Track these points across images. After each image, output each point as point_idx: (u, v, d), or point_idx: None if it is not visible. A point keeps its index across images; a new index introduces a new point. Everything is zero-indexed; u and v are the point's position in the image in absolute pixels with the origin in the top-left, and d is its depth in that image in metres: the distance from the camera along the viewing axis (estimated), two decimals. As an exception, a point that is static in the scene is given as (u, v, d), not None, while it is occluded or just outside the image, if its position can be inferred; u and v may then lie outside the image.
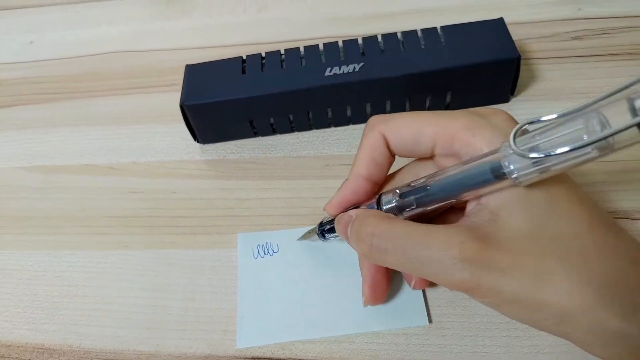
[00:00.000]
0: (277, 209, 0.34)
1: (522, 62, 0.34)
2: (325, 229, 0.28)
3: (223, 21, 0.47)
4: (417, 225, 0.22)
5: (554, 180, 0.20)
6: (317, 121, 0.37)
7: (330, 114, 0.36)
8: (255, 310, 0.29)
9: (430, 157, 0.25)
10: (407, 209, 0.23)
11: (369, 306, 0.28)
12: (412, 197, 0.23)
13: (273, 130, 0.37)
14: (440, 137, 0.23)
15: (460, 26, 0.36)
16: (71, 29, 0.50)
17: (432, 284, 0.29)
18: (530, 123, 0.19)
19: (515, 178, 0.19)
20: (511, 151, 0.18)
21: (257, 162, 0.36)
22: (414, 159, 0.27)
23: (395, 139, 0.25)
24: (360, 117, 0.37)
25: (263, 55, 0.36)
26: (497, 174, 0.19)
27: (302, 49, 0.36)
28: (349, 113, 0.36)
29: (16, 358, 0.30)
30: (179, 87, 0.36)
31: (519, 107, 0.36)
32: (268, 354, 0.28)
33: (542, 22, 0.42)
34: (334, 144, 0.36)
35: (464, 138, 0.22)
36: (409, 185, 0.24)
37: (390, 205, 0.24)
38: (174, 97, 0.41)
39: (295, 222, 0.33)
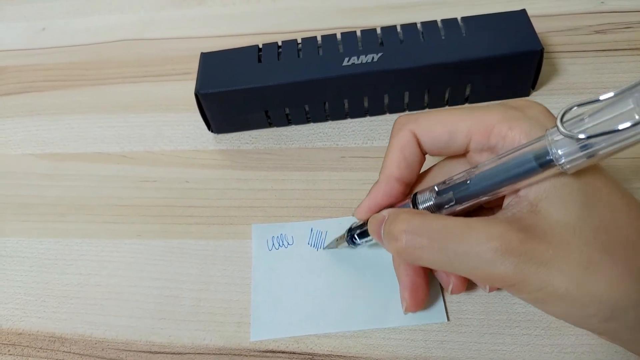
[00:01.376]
0: (292, 201, 0.33)
1: (544, 55, 0.33)
2: (355, 234, 0.28)
3: (237, 10, 0.47)
4: (453, 219, 0.21)
5: (591, 171, 0.19)
6: (333, 112, 0.36)
7: (346, 105, 0.36)
8: (270, 303, 0.29)
9: (463, 154, 0.24)
10: (446, 206, 0.23)
11: (385, 301, 0.28)
12: (450, 193, 0.22)
13: (288, 121, 0.37)
14: (475, 132, 0.22)
15: (482, 17, 0.35)
16: (83, 17, 0.49)
17: (471, 285, 0.28)
18: (580, 105, 0.18)
19: (562, 165, 0.18)
20: (557, 137, 0.18)
21: (271, 152, 0.36)
22: (442, 159, 0.26)
23: (428, 137, 0.24)
24: (377, 109, 0.36)
25: (279, 44, 0.36)
26: (543, 162, 0.19)
27: (319, 39, 0.35)
28: (366, 104, 0.36)
29: (27, 346, 0.30)
30: (192, 76, 0.35)
31: (539, 102, 0.35)
32: (282, 347, 0.28)
33: (564, 15, 0.41)
34: (350, 136, 0.36)
35: (500, 131, 0.21)
36: (444, 182, 0.23)
37: (428, 204, 0.23)
38: (187, 86, 0.40)
39: (310, 214, 0.32)
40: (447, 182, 0.23)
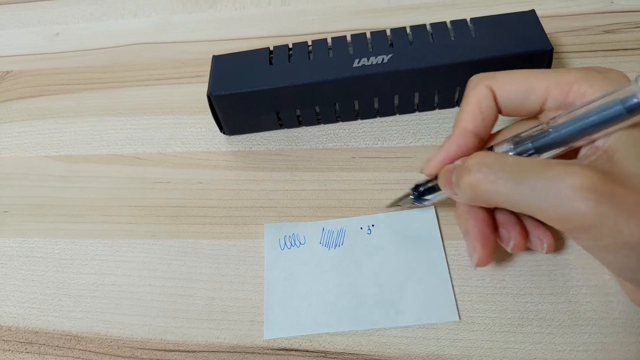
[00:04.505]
0: (304, 201, 0.33)
1: (553, 55, 0.33)
2: (421, 190, 0.27)
3: (248, 13, 0.47)
4: (528, 158, 0.21)
5: None
6: (343, 113, 0.36)
7: (357, 106, 0.36)
8: (283, 302, 0.29)
9: (535, 117, 0.24)
10: (525, 155, 0.22)
11: (397, 300, 0.28)
12: (529, 144, 0.22)
13: (299, 122, 0.37)
14: (553, 90, 0.22)
15: (491, 18, 0.35)
16: (96, 21, 0.50)
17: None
18: None
19: None
20: None
21: (283, 153, 0.36)
22: (513, 121, 0.26)
23: (505, 94, 0.24)
24: (387, 110, 0.36)
25: (290, 46, 0.36)
26: (630, 106, 0.18)
27: (329, 40, 0.36)
28: (376, 105, 0.36)
29: (44, 344, 0.30)
30: (203, 78, 0.36)
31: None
32: (295, 346, 0.28)
33: (573, 15, 0.41)
34: (360, 137, 0.36)
35: (580, 89, 0.21)
36: (519, 135, 0.23)
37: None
38: (199, 89, 0.41)
39: (322, 214, 0.32)
40: (523, 134, 0.23)
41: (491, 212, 0.26)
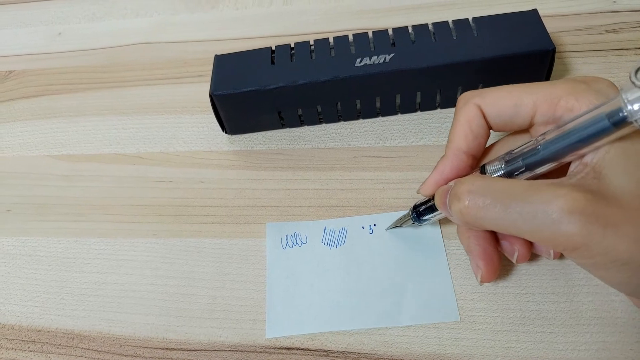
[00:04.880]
0: (306, 200, 0.33)
1: (555, 55, 0.33)
2: (420, 211, 0.28)
3: (250, 13, 0.47)
4: (517, 181, 0.21)
5: None
6: (345, 113, 0.36)
7: (359, 105, 0.36)
8: (285, 301, 0.29)
9: (525, 130, 0.25)
10: (516, 173, 0.23)
11: (398, 299, 0.28)
12: (519, 161, 0.22)
13: (301, 122, 0.37)
14: (541, 105, 0.23)
15: (493, 17, 0.35)
16: (98, 21, 0.50)
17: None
18: None
19: (637, 120, 0.18)
20: (632, 94, 0.17)
21: (284, 153, 0.36)
22: (504, 136, 0.26)
23: (493, 111, 0.24)
24: (389, 109, 0.36)
25: (292, 45, 0.36)
26: (616, 120, 0.18)
27: (331, 40, 0.36)
28: (378, 104, 0.36)
29: (46, 343, 0.30)
30: (205, 78, 0.36)
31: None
32: (297, 344, 0.28)
33: (575, 14, 0.41)
34: (362, 136, 0.36)
35: (567, 103, 0.22)
36: (511, 152, 0.23)
37: (499, 174, 0.23)
38: (201, 88, 0.41)
39: (323, 214, 0.32)
40: (515, 152, 0.23)
41: None
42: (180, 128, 0.39)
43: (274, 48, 0.36)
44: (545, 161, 0.22)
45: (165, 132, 0.39)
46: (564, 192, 0.19)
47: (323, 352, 0.28)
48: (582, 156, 0.21)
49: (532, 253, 0.26)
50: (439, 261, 0.29)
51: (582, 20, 0.40)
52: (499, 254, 0.26)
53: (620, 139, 0.19)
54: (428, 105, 0.36)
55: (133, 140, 0.39)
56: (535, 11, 0.35)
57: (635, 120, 0.18)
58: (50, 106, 0.43)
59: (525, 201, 0.20)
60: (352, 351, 0.27)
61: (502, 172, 0.23)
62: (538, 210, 0.19)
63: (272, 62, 0.35)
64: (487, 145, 0.27)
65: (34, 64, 0.47)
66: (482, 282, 0.26)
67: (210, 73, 0.36)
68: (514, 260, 0.26)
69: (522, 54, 0.33)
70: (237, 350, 0.28)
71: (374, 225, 0.31)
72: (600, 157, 0.20)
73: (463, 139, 0.25)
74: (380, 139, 0.36)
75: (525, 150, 0.22)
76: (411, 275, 0.29)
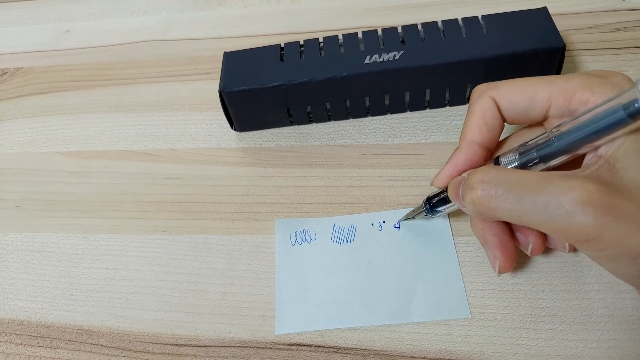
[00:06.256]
0: (314, 197, 0.33)
1: (565, 52, 0.33)
2: (433, 202, 0.28)
3: (257, 11, 0.47)
4: (530, 172, 0.21)
5: None
6: (354, 110, 0.36)
7: (367, 102, 0.36)
8: (294, 297, 0.29)
9: (541, 122, 0.24)
10: (530, 165, 0.23)
11: (408, 296, 0.28)
12: (533, 153, 0.22)
13: (310, 119, 0.37)
14: (556, 98, 0.23)
15: (503, 15, 0.35)
16: (106, 18, 0.50)
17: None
18: None
19: None
20: None
21: (293, 150, 0.36)
22: (518, 129, 0.26)
23: (508, 104, 0.24)
24: (398, 106, 0.36)
25: (301, 43, 0.36)
26: (632, 112, 0.18)
27: (340, 37, 0.36)
28: (387, 102, 0.36)
29: (56, 338, 0.30)
30: (214, 75, 0.36)
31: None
32: (307, 341, 0.28)
33: (584, 13, 0.41)
34: (371, 133, 0.36)
35: (582, 96, 0.22)
36: (525, 144, 0.23)
37: (513, 165, 0.23)
38: (209, 86, 0.41)
39: (332, 210, 0.32)
40: (529, 143, 0.23)
41: None
42: (189, 125, 0.39)
43: (283, 45, 0.36)
44: (559, 153, 0.22)
45: (173, 129, 0.39)
46: (578, 184, 0.19)
47: (333, 348, 0.27)
48: (597, 148, 0.21)
49: (546, 247, 0.26)
50: (448, 258, 0.29)
51: (592, 18, 0.40)
52: (515, 244, 0.26)
53: (636, 131, 0.19)
54: (437, 102, 0.36)
55: (141, 137, 0.39)
56: (545, 9, 0.35)
57: None
58: (58, 103, 0.43)
59: (539, 192, 0.20)
60: (362, 348, 0.27)
61: (516, 163, 0.23)
62: (551, 202, 0.19)
63: (282, 59, 0.35)
64: (502, 138, 0.27)
65: (42, 61, 0.47)
66: (500, 272, 0.25)
67: (217, 70, 0.36)
68: (528, 252, 0.26)
69: (532, 51, 0.33)
70: (247, 347, 0.28)
71: (383, 222, 0.31)
72: (614, 149, 0.20)
73: (477, 132, 0.25)
74: (389, 137, 0.36)
75: (539, 142, 0.22)
76: (421, 272, 0.29)
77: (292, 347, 0.28)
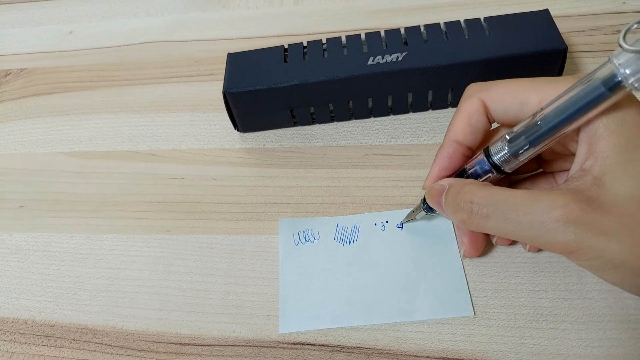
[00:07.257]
0: (318, 197, 0.34)
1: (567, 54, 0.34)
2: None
3: (260, 13, 0.48)
4: (517, 191, 0.22)
5: None
6: (357, 111, 0.37)
7: (370, 103, 0.36)
8: (298, 296, 0.29)
9: None
10: (521, 151, 0.23)
11: (412, 295, 0.28)
12: (522, 138, 0.23)
13: (313, 120, 0.37)
14: (546, 102, 0.23)
15: (505, 17, 0.35)
16: (110, 20, 0.50)
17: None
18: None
19: (632, 84, 0.18)
20: (623, 57, 0.18)
21: (296, 150, 0.36)
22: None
23: (498, 106, 0.25)
24: (401, 108, 0.36)
25: (305, 44, 0.36)
26: (611, 85, 0.19)
27: (344, 39, 0.36)
28: (390, 103, 0.36)
29: (60, 337, 0.30)
30: (217, 76, 0.36)
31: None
32: (311, 340, 0.28)
33: (585, 15, 0.41)
34: (374, 134, 0.36)
35: None
36: (512, 131, 0.23)
37: (503, 153, 0.24)
38: (212, 87, 0.41)
39: (335, 211, 0.33)
40: (516, 130, 0.23)
41: None
42: (192, 126, 0.39)
43: (286, 46, 0.36)
44: (546, 135, 0.22)
45: (177, 130, 0.39)
46: (561, 203, 0.20)
47: (337, 347, 0.28)
48: (583, 124, 0.21)
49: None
50: (451, 257, 0.29)
51: (592, 20, 0.40)
52: (484, 235, 0.28)
53: (625, 147, 0.20)
54: (440, 103, 0.36)
55: (145, 137, 0.39)
56: (546, 11, 0.35)
57: (631, 83, 0.18)
58: (62, 104, 0.43)
59: (524, 212, 0.21)
60: (366, 347, 0.27)
61: (506, 151, 0.24)
62: (536, 220, 0.21)
63: (285, 61, 0.35)
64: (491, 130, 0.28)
65: (46, 62, 0.47)
66: (464, 257, 0.29)
67: (221, 72, 0.36)
68: (493, 242, 0.29)
69: (534, 53, 0.33)
70: (251, 346, 0.28)
71: (386, 222, 0.31)
72: (601, 164, 0.21)
73: (460, 131, 0.26)
74: (392, 137, 0.36)
75: (526, 127, 0.23)
76: (424, 271, 0.29)
77: (296, 346, 0.28)
